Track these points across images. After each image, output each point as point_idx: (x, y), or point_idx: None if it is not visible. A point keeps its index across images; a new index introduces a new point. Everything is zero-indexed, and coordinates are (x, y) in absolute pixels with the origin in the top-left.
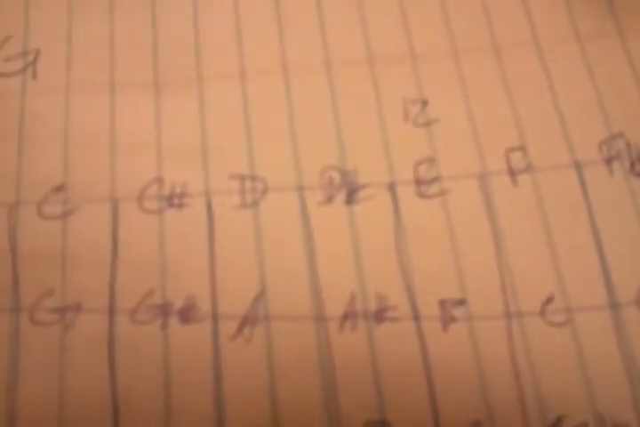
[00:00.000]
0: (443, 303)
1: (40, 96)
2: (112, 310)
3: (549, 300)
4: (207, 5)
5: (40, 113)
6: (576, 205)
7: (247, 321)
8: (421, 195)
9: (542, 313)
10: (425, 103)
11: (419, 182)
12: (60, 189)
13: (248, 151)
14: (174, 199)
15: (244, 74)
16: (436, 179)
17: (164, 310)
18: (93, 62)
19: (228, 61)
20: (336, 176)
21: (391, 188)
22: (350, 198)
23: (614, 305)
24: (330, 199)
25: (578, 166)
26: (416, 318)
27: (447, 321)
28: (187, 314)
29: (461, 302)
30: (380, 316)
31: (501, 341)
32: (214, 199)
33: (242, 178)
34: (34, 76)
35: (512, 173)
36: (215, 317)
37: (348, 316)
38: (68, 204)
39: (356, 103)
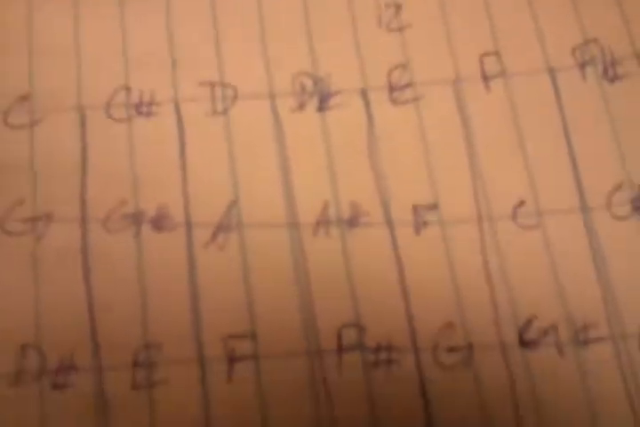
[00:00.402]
0: (415, 208)
1: (2, 1)
2: (84, 220)
3: (521, 204)
4: None
5: (2, 19)
6: (549, 110)
7: (221, 229)
8: (394, 101)
9: (514, 216)
10: (399, 7)
11: (391, 88)
12: (25, 98)
13: (217, 58)
14: (142, 107)
15: None
16: (408, 85)
17: (136, 218)
18: None
19: None
20: (308, 83)
21: (364, 94)
22: (322, 105)
23: (584, 209)
24: (302, 106)
25: (551, 71)
26: (389, 222)
27: (419, 225)
28: (159, 222)
29: (434, 207)
30: (353, 222)
31: (473, 244)
32: (184, 107)
33: (212, 85)
34: None
35: (485, 78)
36: (188, 224)
37: (321, 222)
38: (35, 113)
39: (328, 7)
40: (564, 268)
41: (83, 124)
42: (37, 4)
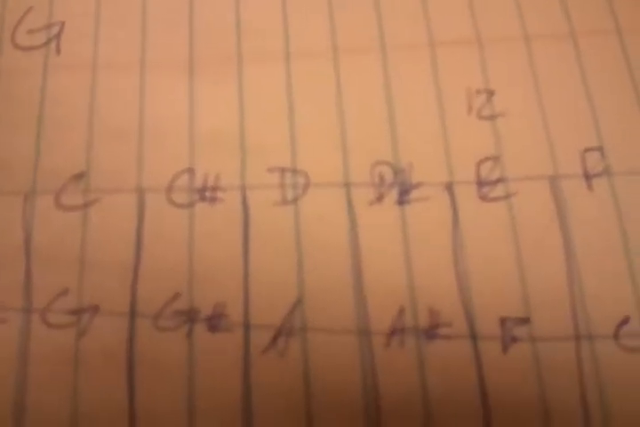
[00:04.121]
0: (504, 321)
1: (64, 73)
2: (133, 314)
3: (624, 321)
4: None
5: (63, 92)
6: None
7: (282, 332)
8: (483, 197)
9: (616, 336)
10: (491, 94)
11: (480, 183)
12: (80, 176)
13: (290, 142)
14: (206, 192)
15: (289, 56)
16: (500, 180)
17: (190, 316)
18: (123, 38)
19: (272, 41)
20: (388, 173)
21: (449, 188)
22: (402, 198)
23: None
24: (380, 198)
25: None
26: (473, 336)
27: (508, 342)
28: (215, 322)
29: (525, 321)
30: (431, 333)
31: (569, 366)
32: (250, 194)
33: (282, 171)
34: (58, 51)
35: (587, 176)
36: (247, 326)
37: (395, 331)
38: (89, 194)
39: (413, 92)
40: None
41: (141, 208)
42: (101, 79)
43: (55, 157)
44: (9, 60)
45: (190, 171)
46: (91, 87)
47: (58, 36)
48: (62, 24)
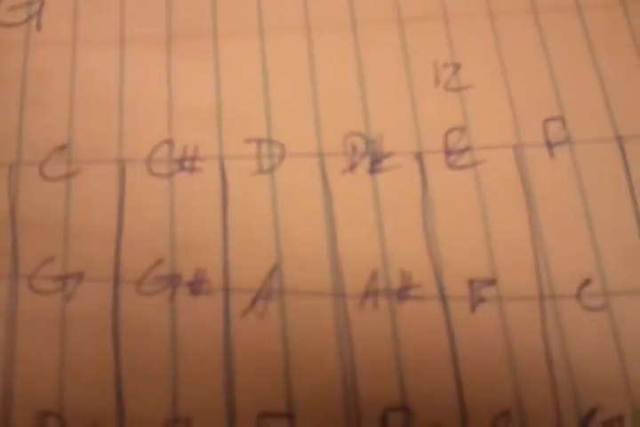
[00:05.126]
0: (471, 283)
1: (44, 49)
2: (117, 280)
3: (586, 282)
4: None
5: (44, 67)
6: (617, 181)
7: (260, 295)
8: (451, 165)
9: (578, 296)
10: (457, 67)
11: (448, 152)
12: (63, 148)
13: (266, 114)
14: (185, 163)
15: (263, 31)
16: (467, 149)
17: (172, 281)
18: (102, 14)
19: (247, 17)
20: (360, 143)
21: (418, 157)
22: (374, 167)
23: None
24: (352, 168)
25: (620, 140)
26: (442, 297)
27: (475, 301)
28: (196, 286)
29: (491, 282)
30: (403, 294)
31: (533, 324)
32: (228, 164)
33: (258, 142)
34: (38, 27)
35: (549, 144)
36: (227, 290)
37: (369, 293)
38: (72, 164)
39: (383, 66)
40: (632, 354)
41: (122, 178)
42: (81, 54)
43: (39, 129)
44: None
45: (169, 142)
46: (71, 62)
47: (38, 12)
48: (42, 1)
